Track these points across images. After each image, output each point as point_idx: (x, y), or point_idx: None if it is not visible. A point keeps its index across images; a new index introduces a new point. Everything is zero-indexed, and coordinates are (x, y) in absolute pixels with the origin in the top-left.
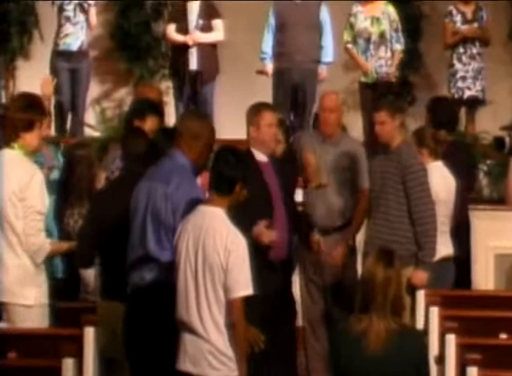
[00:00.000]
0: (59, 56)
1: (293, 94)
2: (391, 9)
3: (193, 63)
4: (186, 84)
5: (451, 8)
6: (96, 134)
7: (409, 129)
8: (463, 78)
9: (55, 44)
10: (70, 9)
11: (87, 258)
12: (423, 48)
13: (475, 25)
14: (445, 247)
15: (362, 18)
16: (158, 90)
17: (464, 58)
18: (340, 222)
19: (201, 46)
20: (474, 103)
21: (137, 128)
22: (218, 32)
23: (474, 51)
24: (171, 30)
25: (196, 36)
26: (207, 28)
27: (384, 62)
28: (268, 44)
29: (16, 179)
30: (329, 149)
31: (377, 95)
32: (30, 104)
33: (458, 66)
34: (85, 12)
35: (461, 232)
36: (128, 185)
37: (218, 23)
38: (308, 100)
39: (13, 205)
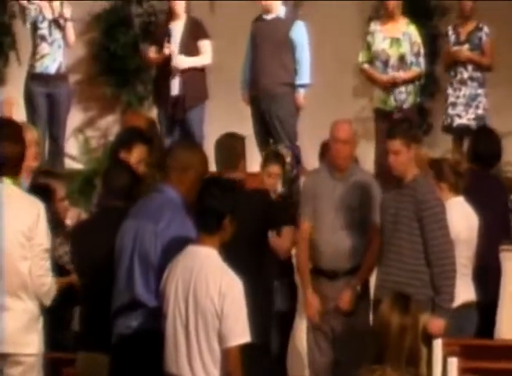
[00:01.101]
0: (35, 79)
1: (267, 123)
2: (413, 30)
3: (175, 88)
4: (168, 110)
5: (449, 28)
6: (79, 166)
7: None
8: (454, 105)
9: (31, 66)
10: (44, 26)
11: (68, 304)
12: (439, 71)
13: (465, 47)
14: (465, 292)
15: (381, 38)
16: (147, 118)
17: (454, 83)
18: (349, 265)
19: (185, 69)
20: (464, 133)
21: (121, 160)
22: (205, 54)
23: (466, 75)
24: (152, 52)
25: (179, 61)
26: (192, 50)
27: (403, 88)
28: (244, 71)
29: (24, 217)
30: (338, 184)
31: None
32: (19, 134)
33: (449, 90)
34: (61, 28)
35: (487, 275)
36: (108, 223)
37: (205, 45)
38: (281, 127)
39: (21, 246)
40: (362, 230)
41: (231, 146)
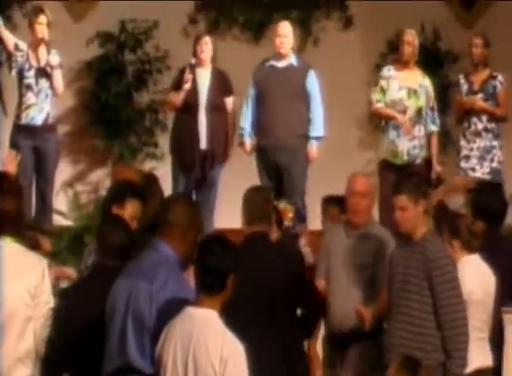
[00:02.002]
0: (21, 131)
1: (278, 175)
2: (429, 83)
3: (203, 142)
4: (196, 165)
5: (460, 76)
6: (68, 222)
7: None
8: (467, 157)
9: (17, 117)
10: (30, 75)
11: (54, 370)
12: (450, 122)
13: (479, 96)
14: (480, 357)
15: (397, 87)
16: (138, 171)
17: (468, 134)
18: (362, 330)
19: (213, 121)
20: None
21: (115, 216)
22: (232, 113)
23: (480, 127)
24: (173, 95)
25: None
26: (219, 104)
27: (417, 142)
28: (246, 118)
29: (30, 275)
30: (353, 241)
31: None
32: (18, 189)
33: (462, 142)
34: (48, 77)
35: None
36: (102, 282)
37: (231, 102)
38: (296, 182)
39: (26, 306)
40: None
41: (263, 199)
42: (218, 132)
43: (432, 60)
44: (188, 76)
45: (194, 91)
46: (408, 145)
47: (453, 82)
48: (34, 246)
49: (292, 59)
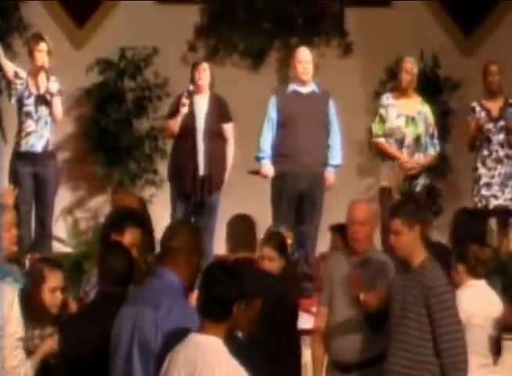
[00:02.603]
0: (21, 158)
1: (299, 202)
2: (428, 110)
3: (201, 168)
4: (197, 190)
5: (474, 104)
6: (67, 249)
7: None
8: (488, 185)
9: (16, 144)
10: (30, 102)
11: None
12: (450, 150)
13: (500, 124)
14: None
15: (395, 114)
16: (138, 198)
17: (489, 162)
18: (363, 358)
19: (211, 148)
20: (504, 214)
21: (115, 242)
22: (231, 139)
23: (502, 153)
24: (171, 122)
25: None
26: (216, 130)
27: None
28: (267, 141)
29: None
30: (357, 269)
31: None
32: None
33: (482, 170)
34: (48, 104)
35: None
36: (105, 310)
37: (230, 128)
38: (317, 209)
39: None
40: (381, 323)
41: (247, 227)
42: (216, 158)
43: (431, 87)
44: (184, 100)
45: (192, 116)
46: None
47: (453, 110)
48: (39, 279)
49: (313, 86)
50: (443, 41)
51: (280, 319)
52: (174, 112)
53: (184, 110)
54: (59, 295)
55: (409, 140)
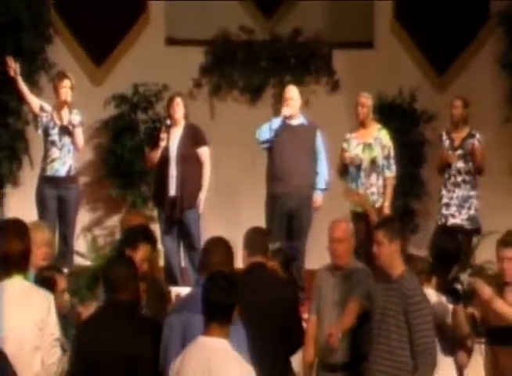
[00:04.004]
0: (46, 181)
1: (289, 220)
2: (384, 135)
3: (172, 189)
4: (168, 210)
5: (442, 133)
6: (87, 263)
7: None
8: (447, 205)
9: (42, 169)
10: (54, 132)
11: None
12: (425, 174)
13: (459, 152)
14: None
15: (355, 144)
16: (143, 217)
17: (448, 185)
18: (347, 359)
19: (184, 169)
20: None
21: (122, 255)
22: (206, 162)
23: (459, 178)
24: (151, 152)
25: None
26: (190, 155)
27: (375, 189)
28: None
29: (36, 309)
30: (338, 281)
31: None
32: (24, 232)
33: (443, 192)
34: (70, 134)
35: None
36: (112, 316)
37: (204, 152)
38: (305, 226)
39: (35, 336)
40: (362, 328)
41: (262, 236)
42: (188, 180)
43: (409, 119)
44: (163, 135)
45: (167, 146)
46: (366, 192)
47: (428, 139)
48: (50, 284)
49: (302, 119)
50: (419, 79)
51: (289, 316)
52: (154, 145)
53: (162, 143)
54: (66, 296)
55: (365, 164)
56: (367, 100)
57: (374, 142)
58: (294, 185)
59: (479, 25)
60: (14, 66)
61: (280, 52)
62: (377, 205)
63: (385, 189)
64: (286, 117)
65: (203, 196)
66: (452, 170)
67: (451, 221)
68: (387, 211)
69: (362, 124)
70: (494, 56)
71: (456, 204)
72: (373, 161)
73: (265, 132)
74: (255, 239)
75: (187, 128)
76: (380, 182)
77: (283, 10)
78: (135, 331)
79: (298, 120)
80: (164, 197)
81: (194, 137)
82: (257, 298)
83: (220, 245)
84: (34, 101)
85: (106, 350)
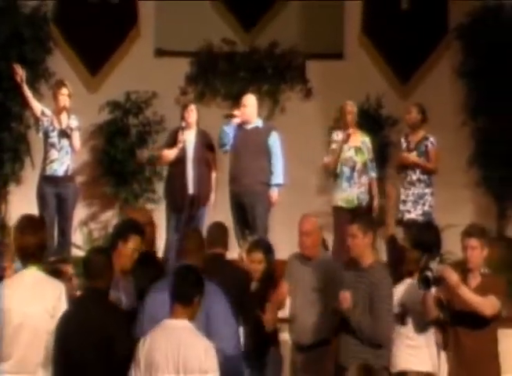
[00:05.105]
0: (46, 180)
1: (245, 214)
2: (368, 140)
3: (190, 187)
4: (186, 206)
5: (402, 137)
6: (83, 254)
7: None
8: (404, 202)
9: (43, 169)
10: (54, 135)
11: None
12: (389, 173)
13: (414, 153)
14: (401, 361)
15: (346, 148)
16: (147, 212)
17: (405, 183)
18: (314, 339)
19: (200, 170)
20: (413, 226)
21: (100, 247)
22: (215, 165)
23: (414, 177)
24: (166, 152)
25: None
26: (203, 157)
27: (364, 189)
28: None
29: (49, 297)
30: (307, 269)
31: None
32: (39, 227)
33: (401, 190)
34: (68, 137)
35: None
36: (89, 303)
37: (214, 156)
38: (259, 220)
39: (47, 321)
40: (327, 309)
41: (221, 230)
42: (202, 180)
43: (375, 124)
44: (182, 137)
45: (183, 148)
46: (357, 192)
47: (392, 142)
48: (58, 274)
49: (258, 123)
50: (385, 87)
51: (244, 301)
52: (171, 144)
53: (181, 144)
54: (75, 280)
55: (358, 166)
56: (352, 108)
57: (363, 146)
58: (246, 183)
59: (438, 39)
60: (21, 73)
61: (259, 63)
62: (364, 204)
63: (371, 189)
64: (231, 116)
65: (213, 195)
66: (408, 169)
67: (407, 216)
68: (376, 208)
69: (347, 129)
70: (451, 66)
71: (411, 201)
72: (365, 164)
73: (224, 138)
74: (214, 233)
75: (200, 133)
76: (367, 181)
77: (262, 25)
78: (111, 315)
79: (253, 124)
80: (175, 192)
81: (206, 142)
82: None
83: (193, 235)
84: (37, 106)
85: (86, 332)
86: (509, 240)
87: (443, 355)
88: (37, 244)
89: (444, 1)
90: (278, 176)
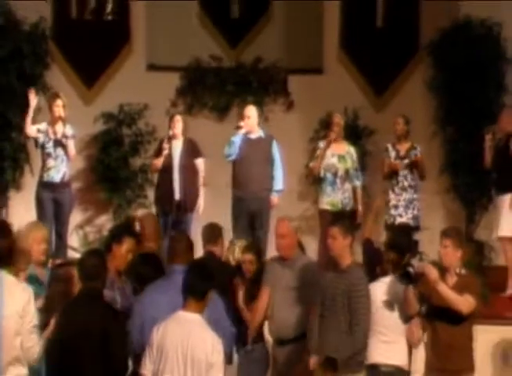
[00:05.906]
0: (44, 187)
1: (251, 219)
2: (353, 150)
3: (177, 193)
4: (173, 211)
5: (388, 145)
6: (79, 256)
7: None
8: (395, 207)
9: (41, 176)
10: (49, 146)
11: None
12: (366, 180)
13: (405, 161)
14: (375, 354)
15: (329, 154)
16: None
17: (396, 189)
18: (293, 335)
19: (186, 177)
20: (405, 229)
21: (95, 249)
22: (201, 172)
23: (406, 183)
24: (155, 160)
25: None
26: (189, 165)
27: (347, 194)
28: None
29: (18, 300)
30: (286, 269)
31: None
32: (8, 231)
33: (391, 195)
34: (64, 146)
35: None
36: (86, 303)
37: (201, 163)
38: (264, 224)
39: (16, 323)
40: (304, 306)
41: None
42: (188, 186)
43: (353, 134)
44: (165, 145)
45: (170, 156)
46: (340, 197)
47: (369, 151)
48: (67, 278)
49: (260, 133)
50: (361, 100)
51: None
52: (157, 153)
53: (165, 152)
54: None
55: (340, 172)
56: (340, 120)
57: (347, 155)
58: (253, 189)
59: (411, 55)
60: (33, 99)
61: (244, 77)
62: (348, 208)
63: (356, 196)
64: (238, 128)
65: (201, 201)
66: (399, 176)
67: (398, 220)
68: (361, 214)
69: (335, 140)
70: (423, 80)
71: (403, 205)
72: (347, 172)
73: (231, 148)
74: (208, 232)
75: (186, 141)
76: (350, 188)
77: (247, 42)
78: (107, 315)
79: (256, 134)
80: (168, 200)
81: (192, 150)
82: None
83: (182, 238)
84: (31, 130)
85: (82, 331)
86: (477, 243)
87: (421, 347)
88: (6, 248)
89: (416, 19)
90: (279, 182)
